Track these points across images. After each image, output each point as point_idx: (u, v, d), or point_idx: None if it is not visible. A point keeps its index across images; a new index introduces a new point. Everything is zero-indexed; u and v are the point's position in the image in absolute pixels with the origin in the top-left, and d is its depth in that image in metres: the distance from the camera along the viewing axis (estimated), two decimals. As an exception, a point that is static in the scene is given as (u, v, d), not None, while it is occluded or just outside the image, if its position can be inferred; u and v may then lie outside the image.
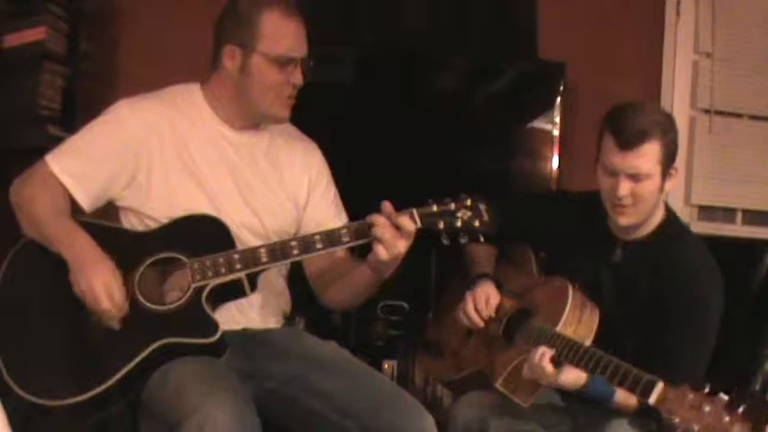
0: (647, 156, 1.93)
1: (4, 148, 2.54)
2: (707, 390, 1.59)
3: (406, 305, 2.92)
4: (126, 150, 1.94)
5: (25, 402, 1.78)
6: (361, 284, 2.02)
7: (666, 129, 1.96)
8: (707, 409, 1.56)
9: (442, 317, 2.39)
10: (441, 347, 2.31)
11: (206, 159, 1.99)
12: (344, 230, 1.91)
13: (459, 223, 1.90)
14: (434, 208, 1.91)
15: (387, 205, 1.89)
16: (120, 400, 1.83)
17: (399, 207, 1.92)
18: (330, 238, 1.91)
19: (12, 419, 1.63)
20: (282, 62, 1.96)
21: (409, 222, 1.87)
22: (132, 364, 1.80)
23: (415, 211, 1.90)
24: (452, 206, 1.91)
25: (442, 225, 1.90)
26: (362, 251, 1.96)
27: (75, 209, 1.94)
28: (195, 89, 2.05)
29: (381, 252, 1.86)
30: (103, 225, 1.95)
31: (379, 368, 2.83)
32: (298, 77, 1.99)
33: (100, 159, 1.94)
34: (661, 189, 1.99)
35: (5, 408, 1.63)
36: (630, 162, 1.93)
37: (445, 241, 1.92)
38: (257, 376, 1.93)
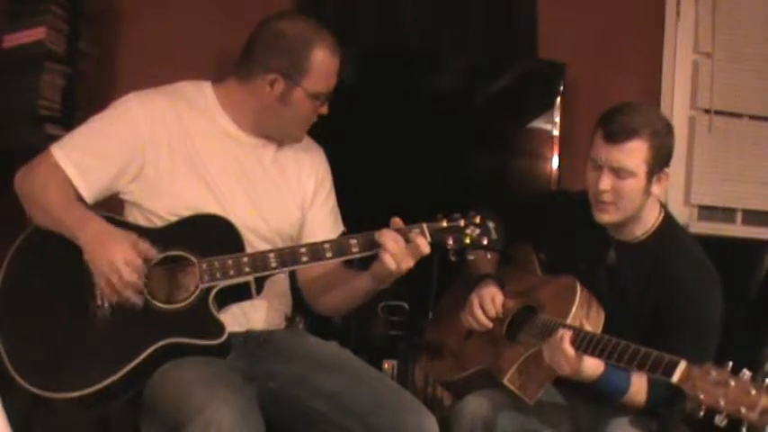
0: (632, 152, 1.93)
1: (4, 148, 2.54)
2: (729, 367, 1.58)
3: (406, 305, 2.92)
4: (134, 145, 1.94)
5: (27, 393, 1.77)
6: (360, 293, 2.03)
7: (658, 131, 1.96)
8: (732, 384, 1.55)
9: (441, 318, 2.39)
10: (441, 348, 2.31)
11: (214, 157, 1.99)
12: (354, 241, 1.92)
13: (467, 240, 1.93)
14: (444, 224, 1.93)
15: (397, 221, 1.91)
16: (121, 396, 1.83)
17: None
18: (340, 247, 1.92)
19: (12, 418, 1.64)
20: (320, 98, 2.00)
21: (421, 238, 1.89)
22: (136, 361, 1.79)
23: (425, 226, 1.91)
24: (461, 222, 1.94)
25: (451, 241, 1.93)
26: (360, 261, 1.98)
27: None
28: (206, 86, 2.05)
29: (391, 265, 1.87)
30: (113, 219, 1.94)
31: (379, 368, 2.83)
32: (325, 110, 2.04)
33: (106, 153, 1.93)
34: (647, 191, 1.98)
35: (6, 398, 1.63)
36: (614, 156, 1.94)
37: (453, 257, 1.95)
38: (260, 377, 1.93)
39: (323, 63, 1.97)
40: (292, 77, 1.96)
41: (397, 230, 1.89)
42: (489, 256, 1.96)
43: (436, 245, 1.92)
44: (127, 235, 1.84)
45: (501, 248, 1.98)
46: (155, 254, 1.84)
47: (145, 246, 1.83)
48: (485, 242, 1.93)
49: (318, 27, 1.99)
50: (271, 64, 1.96)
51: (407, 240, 1.88)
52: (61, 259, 1.86)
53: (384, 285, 1.96)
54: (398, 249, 1.86)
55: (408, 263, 1.88)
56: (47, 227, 1.89)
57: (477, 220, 1.94)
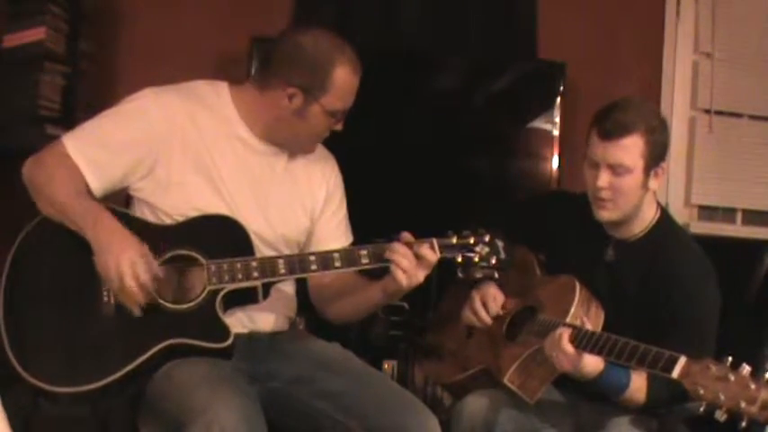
0: (629, 148, 1.94)
1: (4, 148, 2.54)
2: (729, 362, 1.58)
3: (406, 305, 2.92)
4: (147, 142, 1.92)
5: (30, 387, 1.76)
6: (370, 304, 2.04)
7: (653, 126, 1.97)
8: (732, 378, 1.55)
9: (441, 320, 2.39)
10: (441, 350, 2.31)
11: (225, 160, 1.98)
12: (364, 252, 1.92)
13: (476, 258, 1.95)
14: (454, 240, 1.95)
15: (406, 235, 1.91)
16: (124, 393, 1.83)
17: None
18: (349, 257, 1.92)
19: (12, 418, 1.63)
20: (336, 115, 2.00)
21: (431, 252, 1.89)
22: (140, 359, 1.79)
23: (435, 241, 1.92)
24: (471, 240, 1.95)
25: (460, 258, 1.94)
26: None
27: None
28: (223, 88, 2.04)
29: (403, 281, 1.87)
30: (122, 212, 1.93)
31: (379, 368, 2.83)
32: (340, 126, 2.03)
33: (119, 149, 1.91)
34: (644, 186, 1.99)
35: (6, 398, 1.63)
36: (611, 153, 1.94)
37: (461, 274, 1.96)
38: (262, 377, 1.93)
39: (344, 82, 1.96)
40: (312, 93, 1.94)
41: (407, 244, 1.89)
42: (497, 275, 1.97)
43: (445, 261, 1.93)
44: (134, 240, 1.82)
45: (509, 268, 1.99)
46: (149, 279, 1.79)
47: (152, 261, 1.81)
48: (493, 261, 1.95)
49: (342, 44, 1.97)
50: (291, 78, 1.94)
51: (417, 255, 1.88)
52: (67, 252, 1.85)
53: (394, 299, 1.98)
54: (410, 266, 1.87)
55: (419, 277, 1.89)
56: (54, 218, 1.87)
57: (487, 238, 1.96)
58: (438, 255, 1.91)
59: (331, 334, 2.17)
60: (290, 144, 2.04)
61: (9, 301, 1.84)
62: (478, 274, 1.96)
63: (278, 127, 2.00)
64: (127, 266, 1.76)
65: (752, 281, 2.45)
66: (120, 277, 1.77)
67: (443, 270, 2.00)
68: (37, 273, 1.87)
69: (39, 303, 1.84)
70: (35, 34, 2.73)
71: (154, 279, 1.80)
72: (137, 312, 1.81)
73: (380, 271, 1.95)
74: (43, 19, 2.73)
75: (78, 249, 1.83)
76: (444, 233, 1.96)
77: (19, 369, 1.77)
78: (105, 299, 1.84)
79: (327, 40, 1.96)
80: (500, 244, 1.96)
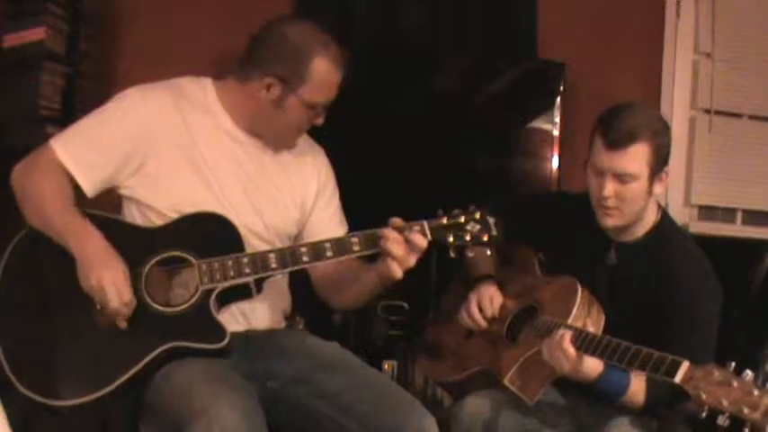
0: (635, 157, 1.93)
1: (4, 148, 2.54)
2: (732, 367, 1.58)
3: (406, 305, 2.92)
4: (135, 139, 1.92)
5: (28, 400, 1.76)
6: (368, 290, 2.04)
7: (658, 131, 1.96)
8: (735, 384, 1.55)
9: (441, 318, 2.39)
10: (440, 349, 2.31)
11: (214, 155, 1.98)
12: (355, 239, 1.91)
13: (468, 237, 1.92)
14: (444, 221, 1.92)
15: (396, 221, 1.90)
16: (123, 401, 1.83)
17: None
18: (340, 246, 1.91)
19: (11, 419, 1.63)
20: (316, 108, 1.99)
21: (421, 238, 1.88)
22: (139, 366, 1.79)
23: (425, 224, 1.91)
24: (462, 219, 1.93)
25: (451, 239, 1.92)
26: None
27: (78, 193, 1.92)
28: (207, 83, 2.04)
29: (394, 267, 1.87)
30: (110, 218, 1.94)
31: (379, 368, 2.83)
32: (320, 120, 2.03)
33: (108, 149, 1.92)
34: (649, 192, 1.99)
35: (6, 398, 1.62)
36: (617, 162, 1.93)
37: (452, 254, 1.94)
38: (260, 376, 1.93)
39: (323, 73, 1.95)
40: (289, 84, 1.95)
41: (397, 229, 1.88)
42: (489, 252, 1.96)
43: (437, 242, 1.91)
44: (117, 260, 1.82)
45: (500, 244, 1.97)
46: (131, 298, 1.81)
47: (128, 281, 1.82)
48: (485, 238, 1.92)
49: (325, 38, 1.96)
50: (270, 67, 1.95)
51: (408, 241, 1.87)
52: (60, 262, 1.85)
53: (391, 282, 1.96)
54: (401, 252, 1.86)
55: (410, 262, 1.88)
56: (38, 228, 1.88)
57: (478, 215, 1.93)
58: (429, 238, 1.90)
59: (330, 333, 2.17)
60: (268, 136, 2.04)
61: (2, 308, 1.84)
62: (471, 253, 1.94)
63: (257, 118, 2.00)
64: (110, 285, 1.77)
65: (752, 281, 2.44)
66: (104, 296, 1.78)
67: (443, 268, 1.99)
68: (28, 282, 1.87)
69: (32, 314, 1.84)
70: (35, 34, 2.73)
71: (143, 284, 1.81)
72: (123, 326, 1.81)
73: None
74: (43, 19, 2.73)
75: (70, 257, 1.83)
76: (435, 214, 1.93)
77: (14, 381, 1.77)
78: (99, 306, 1.83)
79: (309, 32, 1.96)
80: (491, 220, 1.92)
